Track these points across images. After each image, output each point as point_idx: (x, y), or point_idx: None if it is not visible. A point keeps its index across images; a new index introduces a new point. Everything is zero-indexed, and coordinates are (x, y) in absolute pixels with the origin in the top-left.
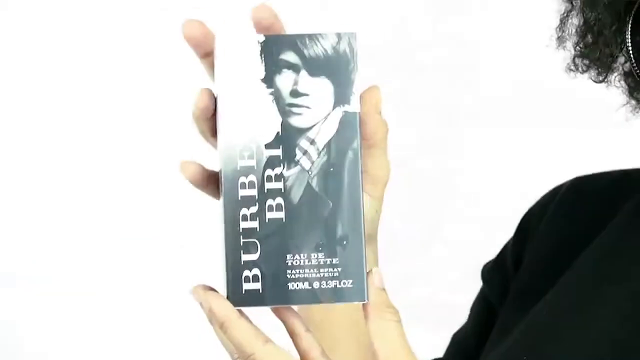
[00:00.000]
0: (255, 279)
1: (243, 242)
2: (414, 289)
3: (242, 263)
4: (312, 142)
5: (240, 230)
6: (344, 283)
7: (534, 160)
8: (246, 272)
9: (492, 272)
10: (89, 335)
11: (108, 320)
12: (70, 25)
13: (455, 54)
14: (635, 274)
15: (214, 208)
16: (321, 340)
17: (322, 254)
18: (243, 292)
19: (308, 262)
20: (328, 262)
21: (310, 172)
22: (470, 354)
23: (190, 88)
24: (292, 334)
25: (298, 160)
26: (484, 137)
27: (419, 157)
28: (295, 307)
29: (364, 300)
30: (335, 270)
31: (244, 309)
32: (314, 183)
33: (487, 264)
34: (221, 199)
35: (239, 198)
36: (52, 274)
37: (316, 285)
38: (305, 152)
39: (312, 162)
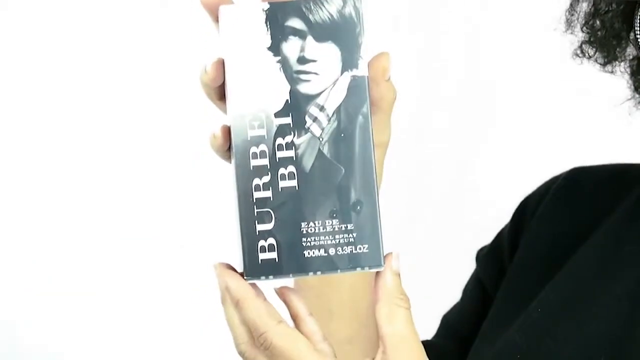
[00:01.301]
0: (270, 248)
1: (257, 212)
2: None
3: (257, 233)
4: (322, 108)
5: (254, 201)
6: (360, 248)
7: (545, 159)
8: (261, 242)
9: (488, 257)
10: (88, 335)
11: (108, 320)
12: (70, 25)
13: (467, 51)
14: (632, 274)
15: (213, 209)
16: (318, 307)
17: (337, 220)
18: (259, 262)
19: (323, 229)
20: (343, 228)
21: (321, 139)
22: (462, 337)
23: (191, 88)
24: (294, 317)
25: (308, 128)
26: (499, 135)
27: (429, 152)
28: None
29: (381, 265)
30: (351, 235)
31: (260, 286)
32: (325, 149)
33: (483, 248)
34: (233, 170)
35: (251, 168)
36: (52, 274)
37: (332, 251)
38: (315, 119)
39: (323, 129)
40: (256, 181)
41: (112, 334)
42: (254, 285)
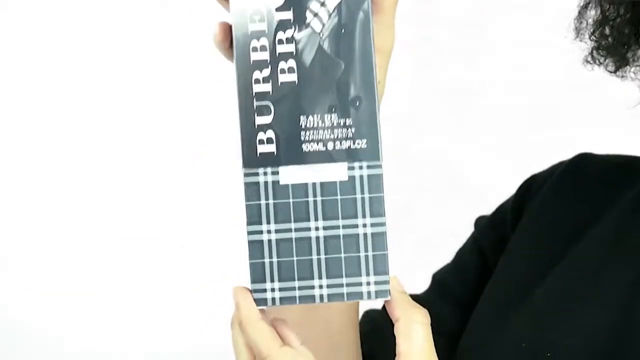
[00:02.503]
0: (269, 141)
1: (256, 105)
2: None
3: (256, 126)
4: (323, 4)
5: (254, 94)
6: (358, 143)
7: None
8: (260, 135)
9: (489, 226)
10: (88, 335)
11: (108, 320)
12: (71, 25)
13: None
14: (636, 268)
15: (213, 208)
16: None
17: (336, 115)
18: (258, 155)
19: (322, 123)
20: (341, 123)
21: (321, 34)
22: (460, 301)
23: (190, 88)
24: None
25: (309, 23)
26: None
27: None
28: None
29: (378, 160)
30: (349, 130)
31: (268, 312)
32: (326, 45)
33: (482, 217)
34: (234, 64)
35: (251, 62)
36: (52, 274)
37: (330, 146)
38: (315, 14)
39: (323, 24)
40: (256, 74)
41: (112, 334)
42: (261, 311)
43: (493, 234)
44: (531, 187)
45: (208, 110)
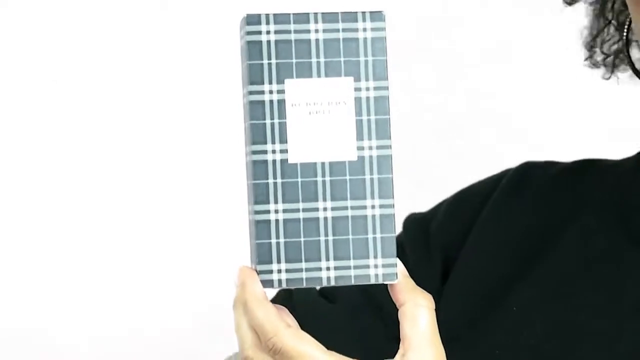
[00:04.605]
0: None
1: None
2: None
3: None
4: None
5: None
6: None
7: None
8: None
9: (417, 238)
10: (89, 335)
11: (108, 320)
12: (71, 26)
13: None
14: (612, 285)
15: (214, 209)
16: None
17: None
18: None
19: None
20: None
21: None
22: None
23: (190, 89)
24: None
25: None
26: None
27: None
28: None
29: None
30: None
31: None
32: None
33: (411, 217)
34: None
35: None
36: (52, 274)
37: None
38: None
39: None
40: None
41: (113, 334)
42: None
43: (420, 249)
44: (467, 204)
45: (208, 111)
